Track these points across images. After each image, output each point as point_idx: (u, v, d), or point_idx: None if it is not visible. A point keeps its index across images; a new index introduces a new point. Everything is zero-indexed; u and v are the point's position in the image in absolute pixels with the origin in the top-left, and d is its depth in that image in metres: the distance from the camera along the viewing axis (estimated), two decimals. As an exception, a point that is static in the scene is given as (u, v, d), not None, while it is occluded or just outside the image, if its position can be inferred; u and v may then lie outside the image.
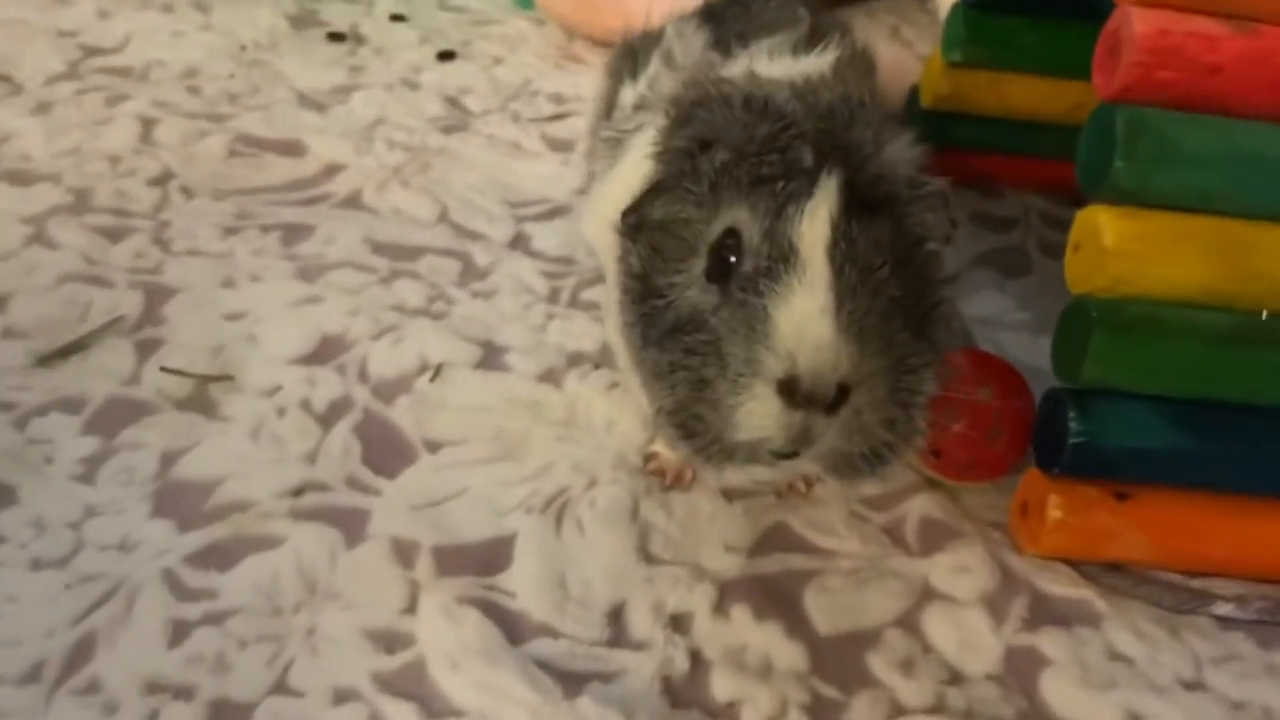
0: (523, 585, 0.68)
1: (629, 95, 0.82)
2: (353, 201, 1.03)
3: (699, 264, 0.60)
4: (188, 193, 1.01)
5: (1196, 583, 0.75)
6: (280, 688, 0.61)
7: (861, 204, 0.59)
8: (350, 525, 0.70)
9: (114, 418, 0.77)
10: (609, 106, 0.86)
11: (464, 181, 1.06)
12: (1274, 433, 0.72)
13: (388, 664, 0.63)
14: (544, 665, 0.63)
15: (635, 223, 0.63)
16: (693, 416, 0.58)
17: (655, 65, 0.81)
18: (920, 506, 0.77)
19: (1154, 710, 0.66)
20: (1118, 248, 0.70)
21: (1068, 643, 0.69)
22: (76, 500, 0.70)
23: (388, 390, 0.80)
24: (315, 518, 0.71)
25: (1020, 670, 0.67)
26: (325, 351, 0.83)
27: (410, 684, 0.62)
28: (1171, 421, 0.72)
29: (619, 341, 0.70)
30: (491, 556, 0.70)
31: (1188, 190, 0.70)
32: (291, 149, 1.09)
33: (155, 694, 0.60)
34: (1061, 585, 0.73)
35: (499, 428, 0.78)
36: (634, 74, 0.83)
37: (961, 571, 0.73)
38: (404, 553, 0.69)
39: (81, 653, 0.61)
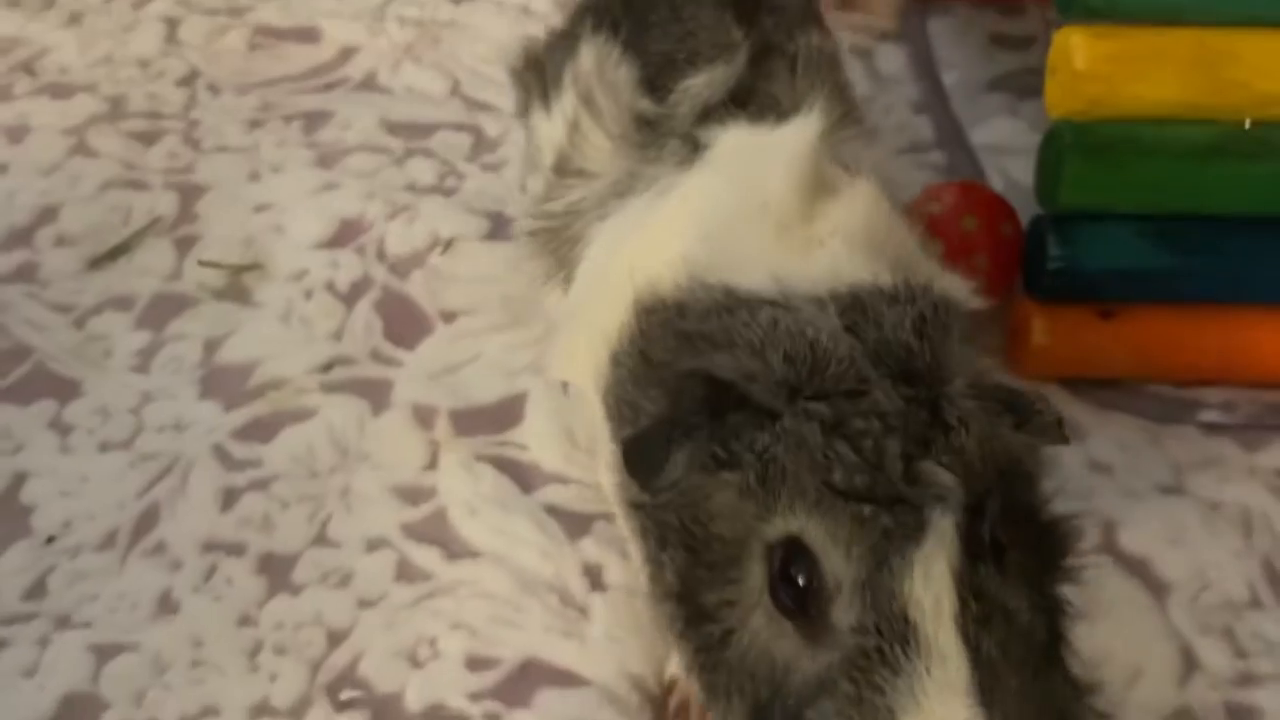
0: (533, 439, 0.74)
1: (543, 132, 0.70)
2: (369, 83, 1.06)
3: (754, 571, 0.45)
4: (214, 90, 1.06)
5: (1185, 393, 0.77)
6: (320, 540, 0.69)
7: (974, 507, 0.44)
8: (375, 395, 0.77)
9: (161, 312, 0.84)
10: (527, 129, 0.75)
11: (473, 53, 1.09)
12: (1255, 242, 0.73)
13: (413, 515, 0.70)
14: (553, 510, 0.70)
15: (658, 492, 0.48)
16: None
17: (572, 102, 0.67)
18: (912, 339, 0.80)
19: (1130, 517, 0.70)
20: (1090, 70, 0.70)
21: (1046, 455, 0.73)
22: (134, 388, 0.78)
23: (403, 267, 0.86)
24: (343, 390, 0.78)
25: (999, 486, 0.71)
26: (345, 235, 0.89)
27: (433, 531, 0.69)
28: (1152, 239, 0.74)
29: (627, 527, 0.56)
30: (504, 415, 0.76)
31: (1159, 4, 0.69)
32: (308, 36, 1.12)
33: (212, 552, 0.68)
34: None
35: (506, 295, 0.83)
36: (544, 97, 0.71)
37: (948, 398, 0.76)
38: (424, 416, 0.76)
39: (147, 521, 0.70)
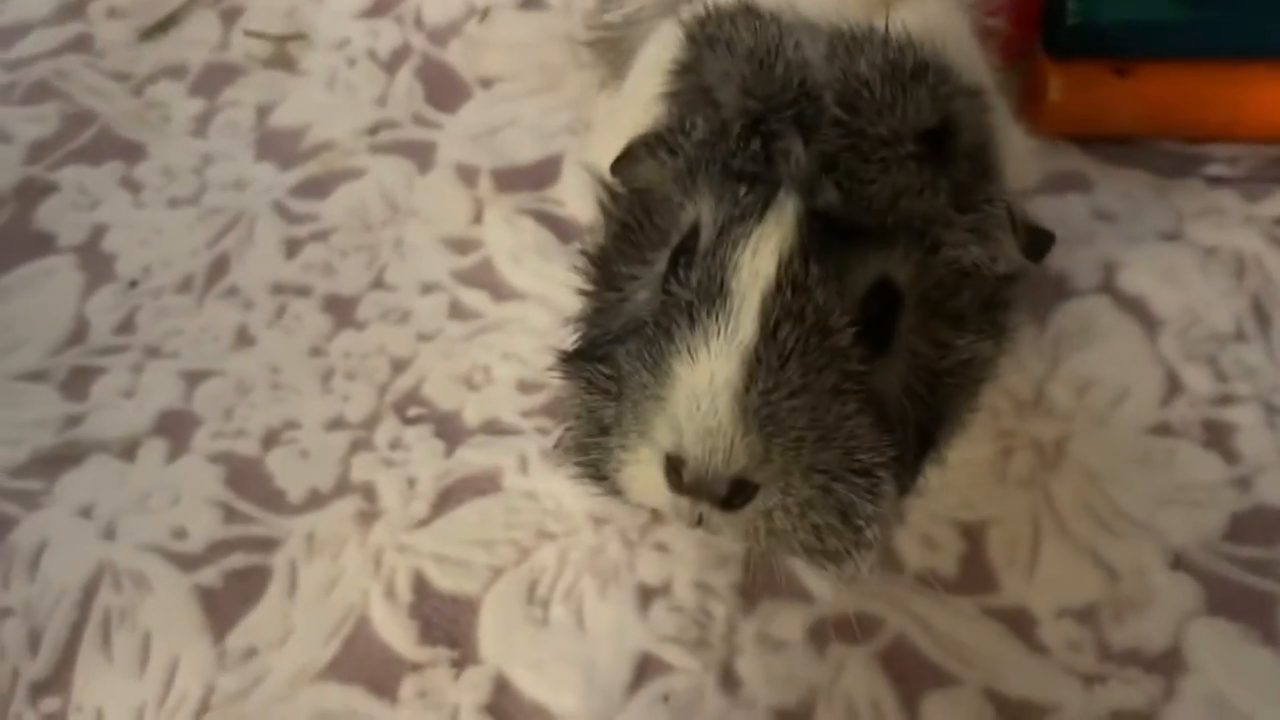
0: (570, 195, 0.79)
1: None
2: None
3: (663, 258, 0.49)
4: None
5: (1193, 149, 0.81)
6: (377, 284, 0.75)
7: (847, 234, 0.46)
8: (420, 155, 0.82)
9: (213, 80, 0.88)
10: None
11: None
12: (1274, -3, 0.75)
13: (462, 263, 0.76)
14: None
15: (620, 182, 0.52)
16: (588, 461, 0.48)
17: None
18: (932, 99, 0.84)
19: (1127, 258, 0.75)
20: None
21: (1054, 205, 0.77)
22: (195, 151, 0.84)
23: (441, 35, 0.89)
24: (390, 151, 0.82)
25: (1007, 232, 0.76)
26: (384, 4, 0.91)
27: (481, 276, 0.75)
28: (1169, -7, 0.76)
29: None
30: (542, 174, 0.81)
31: None
32: None
33: (281, 293, 0.75)
34: (1061, 159, 0.80)
35: (541, 61, 0.86)
36: None
37: (963, 153, 0.80)
38: (468, 175, 0.81)
39: (219, 268, 0.76)
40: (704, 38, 0.50)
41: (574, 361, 0.50)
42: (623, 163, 0.50)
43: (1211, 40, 0.77)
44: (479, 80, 0.86)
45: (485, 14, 0.90)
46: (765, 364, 0.43)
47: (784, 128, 0.46)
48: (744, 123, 0.46)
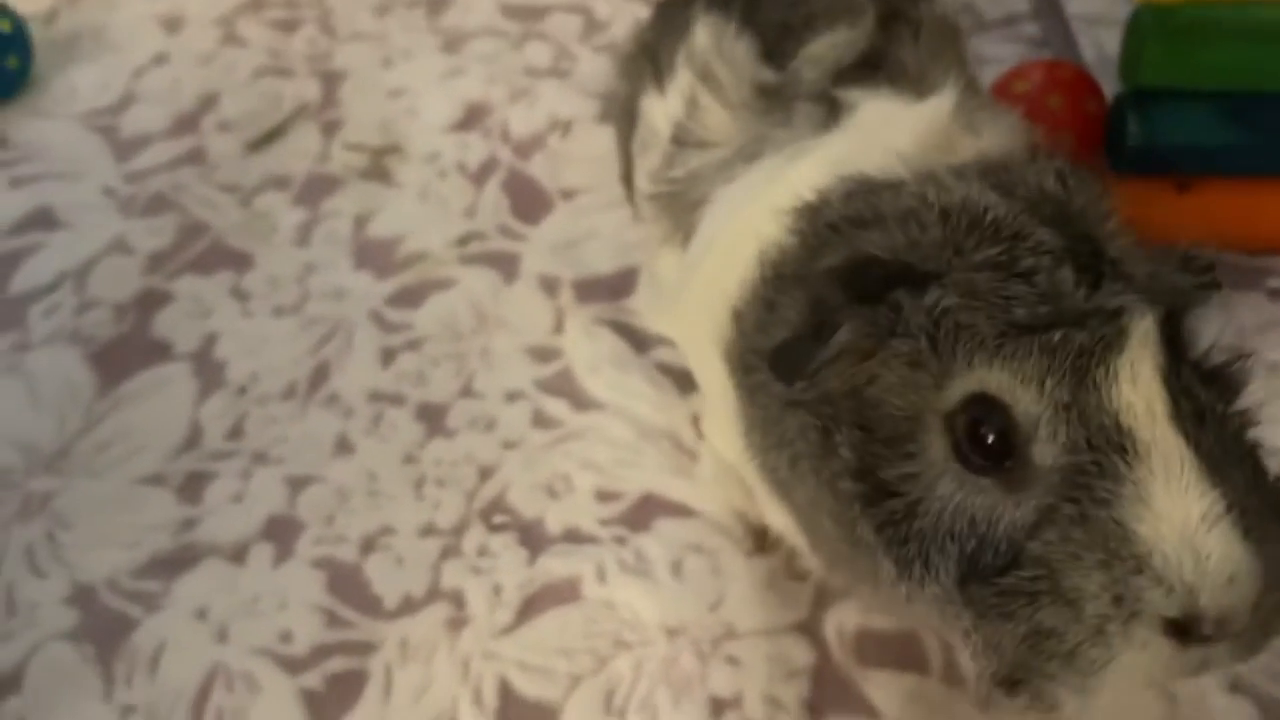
0: (645, 306, 0.84)
1: (657, 112, 0.68)
2: (483, -33, 1.13)
3: (933, 443, 0.46)
4: (341, -24, 1.14)
5: (1255, 262, 0.83)
6: (466, 392, 0.80)
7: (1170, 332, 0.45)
8: (506, 266, 0.87)
9: (314, 191, 0.94)
10: (630, 117, 0.73)
11: (582, -66, 1.14)
12: (1326, 118, 0.77)
13: (544, 371, 0.81)
14: (664, 368, 0.80)
15: (817, 397, 0.48)
16: (1041, 676, 0.44)
17: (688, 80, 0.66)
18: (996, 211, 0.87)
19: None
20: (1174, -47, 0.74)
21: (1116, 322, 0.79)
22: (298, 260, 0.90)
23: (526, 148, 0.95)
24: (478, 262, 0.88)
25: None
26: (472, 118, 0.97)
27: (562, 386, 0.80)
28: (1227, 117, 0.78)
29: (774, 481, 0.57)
30: (620, 284, 0.85)
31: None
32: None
33: (377, 401, 0.80)
34: (1122, 272, 0.83)
35: (618, 174, 0.91)
36: (659, 80, 0.69)
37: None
38: (549, 285, 0.86)
39: (320, 375, 0.82)
40: (843, 222, 0.50)
41: (957, 589, 0.45)
42: (794, 363, 0.47)
43: (1268, 161, 0.79)
44: (560, 192, 0.91)
45: (567, 128, 0.95)
46: (1220, 480, 0.41)
47: (1041, 263, 0.45)
48: (994, 275, 0.45)
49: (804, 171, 0.56)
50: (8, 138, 1.01)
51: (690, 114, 0.65)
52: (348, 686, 0.66)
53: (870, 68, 0.62)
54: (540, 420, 0.78)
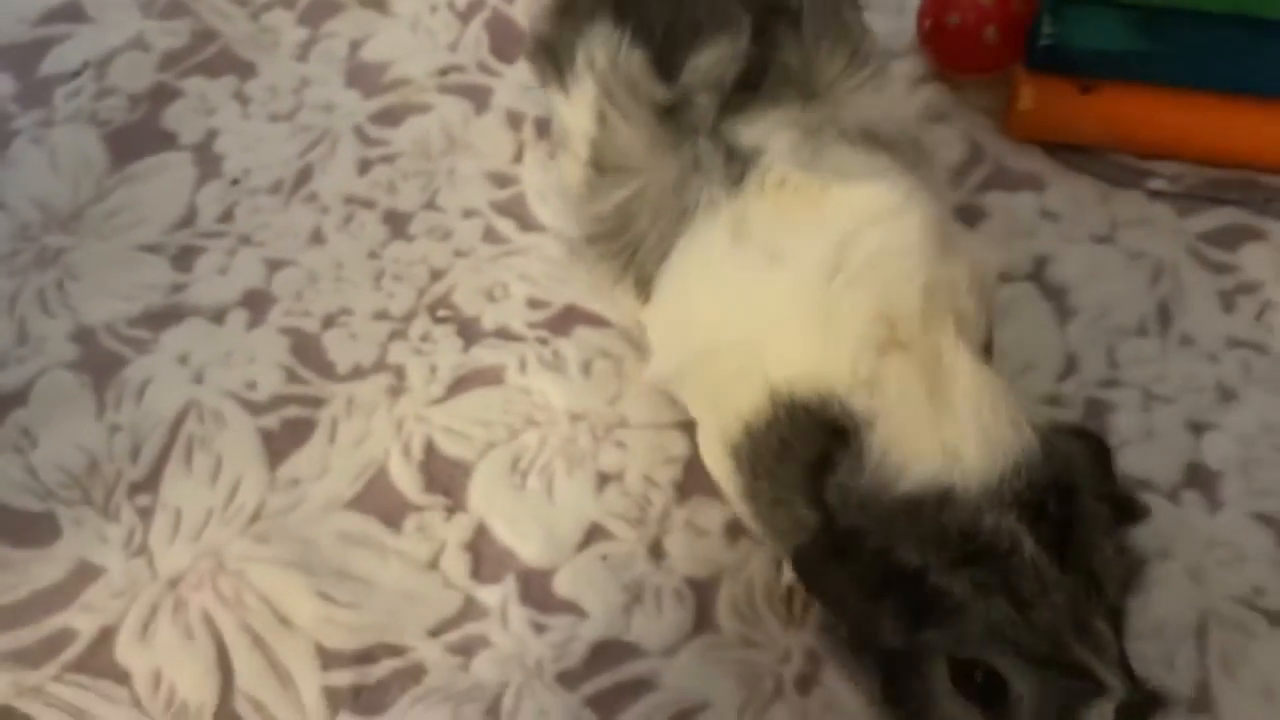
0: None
1: (566, 114, 0.70)
2: None
3: (938, 667, 0.53)
4: None
5: (1142, 163, 0.92)
6: (429, 205, 0.91)
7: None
8: (479, 98, 0.97)
9: (317, 12, 1.03)
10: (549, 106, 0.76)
11: None
12: (1217, 36, 0.85)
13: (499, 195, 0.91)
14: (604, 199, 0.90)
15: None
16: None
17: (592, 92, 0.67)
18: (924, 95, 0.95)
19: (1058, 254, 0.87)
20: (1097, -128, 0.81)
21: (1006, 202, 0.89)
22: (295, 73, 1.00)
23: (511, -8, 1.03)
24: (455, 92, 0.97)
25: (960, 216, 0.88)
26: (466, -40, 1.06)
27: (513, 208, 0.91)
28: (1132, 26, 0.86)
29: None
30: (577, 123, 0.95)
31: None
32: None
33: (351, 203, 0.91)
34: (1023, 160, 0.92)
35: (591, 24, 1.00)
36: (560, 78, 0.70)
37: (938, 145, 0.92)
38: (515, 120, 0.95)
39: (304, 176, 0.93)
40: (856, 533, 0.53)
41: None
42: (815, 582, 0.56)
43: (1166, 70, 0.87)
44: (537, 36, 1.00)
45: (550, -23, 1.03)
46: None
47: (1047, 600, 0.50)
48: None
49: (781, 296, 0.57)
50: (44, -67, 1.09)
51: (602, 133, 0.66)
52: (299, 430, 0.79)
53: (752, 88, 0.64)
54: (490, 235, 0.89)
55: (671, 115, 0.64)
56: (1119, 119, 0.90)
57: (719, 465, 0.64)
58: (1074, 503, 0.53)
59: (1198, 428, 0.79)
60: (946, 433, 0.53)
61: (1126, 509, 0.56)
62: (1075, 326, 0.83)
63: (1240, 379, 0.81)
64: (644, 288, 0.66)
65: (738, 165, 0.61)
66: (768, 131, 0.62)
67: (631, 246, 0.66)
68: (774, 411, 0.57)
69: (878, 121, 0.64)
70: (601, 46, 0.66)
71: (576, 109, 0.68)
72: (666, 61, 0.65)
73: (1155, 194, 0.90)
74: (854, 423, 0.54)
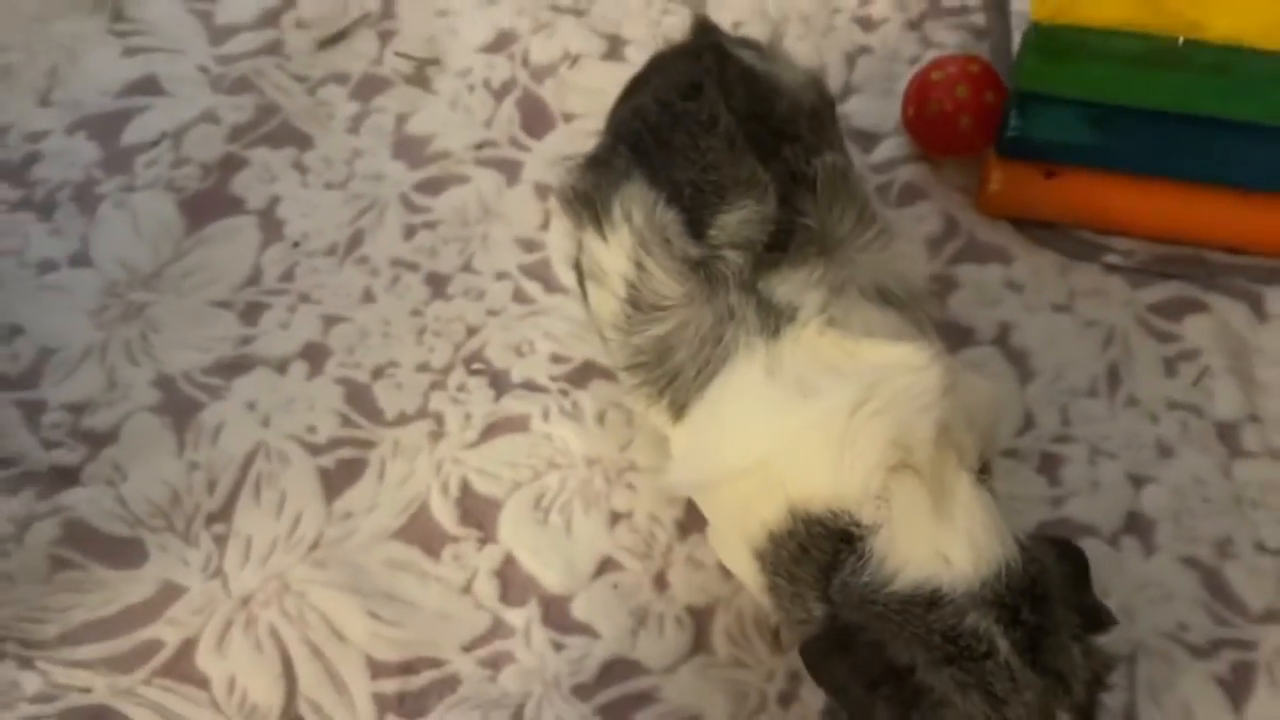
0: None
1: (603, 254, 0.76)
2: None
3: None
4: (410, -100, 1.32)
5: (1099, 239, 1.02)
6: (466, 268, 1.03)
7: None
8: (510, 170, 1.09)
9: (367, 88, 1.16)
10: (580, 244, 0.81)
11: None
12: (1168, 130, 0.95)
13: (527, 259, 1.03)
14: (620, 265, 1.02)
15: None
16: None
17: (630, 242, 0.73)
18: (907, 173, 1.07)
19: (1021, 321, 0.98)
20: (1059, -13, 0.92)
21: (977, 274, 1.01)
22: (348, 145, 1.12)
23: (540, 74, 1.15)
24: (489, 165, 1.09)
25: (934, 285, 0.99)
26: (500, 43, 1.17)
27: (540, 271, 1.02)
28: (1090, 121, 0.97)
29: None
30: (598, 195, 1.07)
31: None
32: None
33: (397, 266, 1.03)
34: (993, 234, 1.03)
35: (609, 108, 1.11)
36: (598, 224, 0.76)
37: (917, 220, 1.04)
38: (542, 191, 1.07)
39: (356, 240, 1.05)
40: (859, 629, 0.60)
41: None
42: (823, 677, 0.61)
43: (1120, 159, 0.98)
44: (563, 115, 1.12)
45: (575, 60, 1.16)
46: None
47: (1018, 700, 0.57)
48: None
49: (807, 427, 0.64)
50: (125, 12, 1.22)
51: (640, 277, 0.72)
52: (352, 469, 0.91)
53: (780, 249, 0.70)
54: (519, 296, 1.01)
55: (703, 266, 0.71)
56: (1078, 200, 1.01)
57: (741, 564, 0.71)
58: (1046, 609, 0.60)
59: (1138, 480, 0.90)
60: (941, 541, 0.60)
61: (1097, 617, 0.63)
62: (1034, 387, 0.95)
63: (1178, 437, 0.92)
64: (678, 411, 0.73)
65: (773, 319, 0.68)
66: (799, 289, 0.68)
67: (669, 377, 0.72)
68: (794, 523, 0.64)
69: (890, 284, 0.72)
70: (638, 205, 0.73)
71: (614, 254, 0.74)
72: (695, 219, 0.71)
73: (1110, 268, 1.01)
74: (861, 530, 0.61)
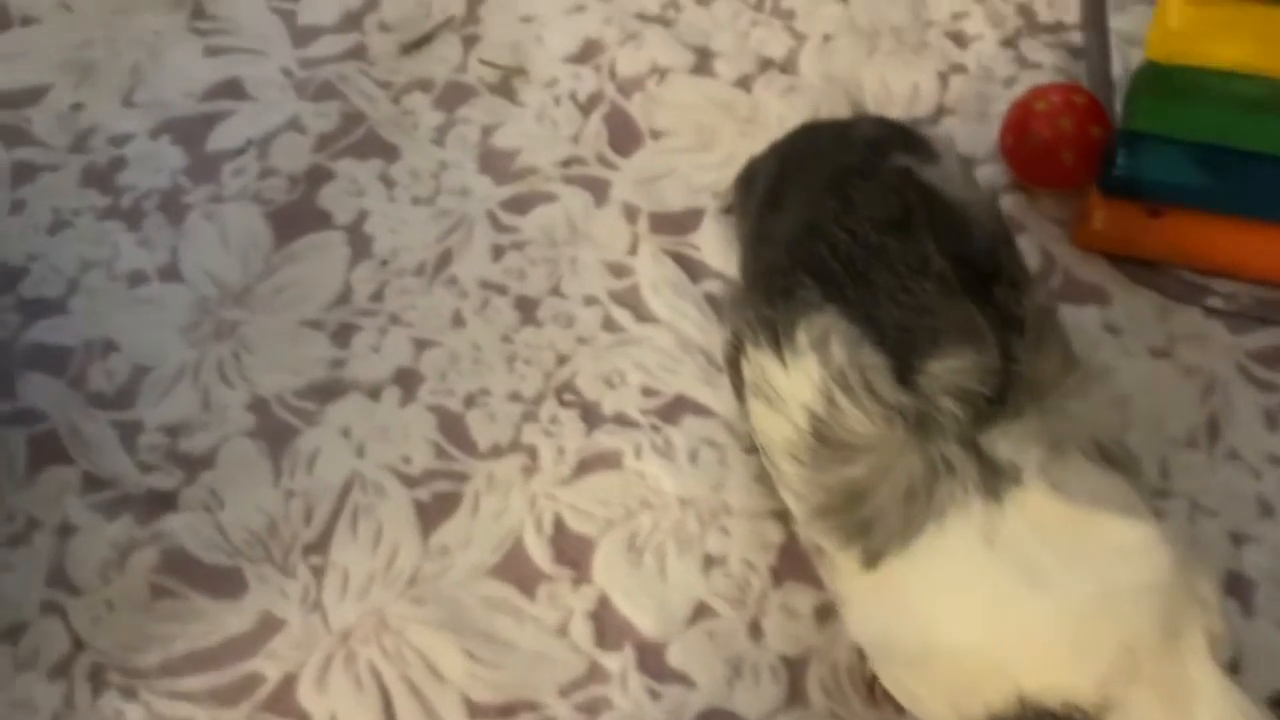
0: (705, 243, 1.04)
1: (784, 382, 0.70)
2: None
3: None
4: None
5: (1201, 280, 1.01)
6: (554, 292, 1.02)
7: None
8: (598, 190, 1.08)
9: (452, 97, 1.14)
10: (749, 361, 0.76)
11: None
12: (1274, 172, 0.93)
13: (616, 284, 1.02)
14: (710, 298, 1.01)
15: None
16: None
17: (820, 373, 0.68)
18: (1002, 204, 1.05)
19: (1121, 366, 0.97)
20: (1180, 29, 0.90)
21: (1074, 315, 0.99)
22: (434, 157, 1.10)
23: (628, 87, 1.13)
24: (577, 183, 1.08)
25: (1032, 330, 0.98)
26: (587, 53, 1.15)
27: (629, 298, 1.02)
28: (1197, 161, 0.95)
29: None
30: (687, 221, 1.05)
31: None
32: None
33: (486, 289, 1.03)
34: (1091, 272, 1.01)
35: (700, 123, 1.10)
36: (775, 346, 0.71)
37: (1016, 256, 1.02)
38: (630, 213, 1.06)
39: (444, 260, 1.04)
40: None
41: None
42: None
43: (1226, 200, 0.96)
44: (651, 131, 1.11)
45: (664, 74, 1.13)
46: None
47: None
48: None
49: (1039, 623, 0.61)
50: (206, 8, 1.21)
51: (830, 413, 0.67)
52: (447, 503, 0.92)
53: (998, 401, 0.66)
54: (608, 324, 1.01)
55: (911, 413, 0.66)
56: (1182, 240, 0.99)
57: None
58: None
59: (1238, 538, 0.89)
60: None
61: None
62: (1133, 438, 0.93)
63: (1279, 495, 0.91)
64: (872, 560, 0.67)
65: (994, 478, 0.63)
66: (1019, 445, 0.64)
67: (866, 523, 0.67)
68: (1023, 709, 0.61)
69: (1106, 439, 0.68)
70: (840, 341, 0.68)
71: (796, 382, 0.69)
72: (903, 361, 0.67)
73: (1211, 311, 0.99)
74: None
